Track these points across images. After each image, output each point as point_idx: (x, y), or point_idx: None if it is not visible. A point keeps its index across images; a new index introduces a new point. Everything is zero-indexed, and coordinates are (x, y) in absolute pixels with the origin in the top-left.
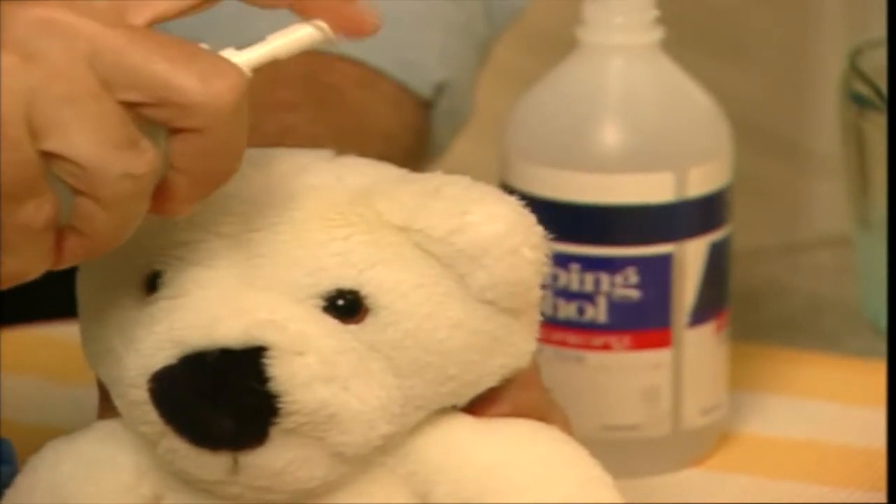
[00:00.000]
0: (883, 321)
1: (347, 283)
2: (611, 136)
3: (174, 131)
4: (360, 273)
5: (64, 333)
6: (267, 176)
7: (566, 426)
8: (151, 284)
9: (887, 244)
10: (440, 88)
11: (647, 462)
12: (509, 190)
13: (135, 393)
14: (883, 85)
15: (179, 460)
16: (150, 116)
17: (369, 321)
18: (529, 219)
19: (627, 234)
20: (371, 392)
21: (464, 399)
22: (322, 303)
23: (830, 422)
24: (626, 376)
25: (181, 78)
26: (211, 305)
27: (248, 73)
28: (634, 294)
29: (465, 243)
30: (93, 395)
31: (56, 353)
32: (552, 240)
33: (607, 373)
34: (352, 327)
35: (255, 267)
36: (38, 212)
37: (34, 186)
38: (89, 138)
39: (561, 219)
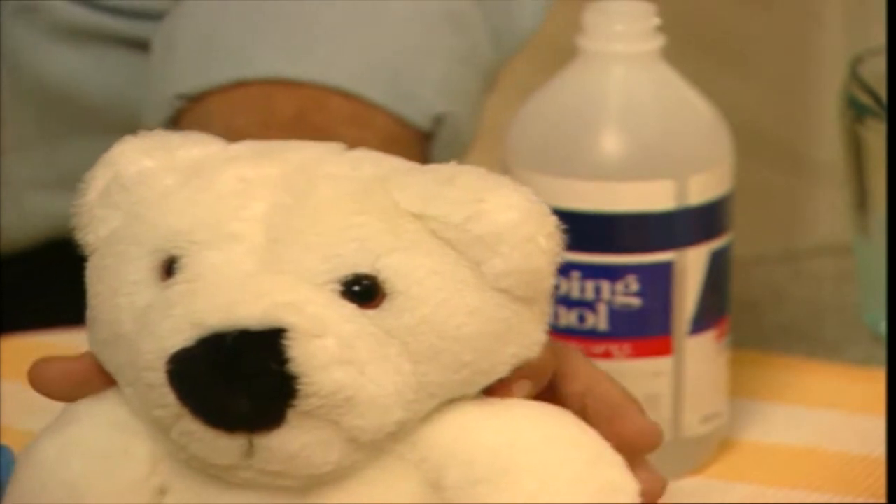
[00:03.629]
0: (883, 329)
1: (364, 268)
2: (611, 143)
3: None
4: (378, 259)
5: (64, 341)
6: (283, 165)
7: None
8: (168, 269)
9: (887, 252)
10: (440, 120)
11: None
12: None
13: (151, 376)
14: (883, 93)
15: (194, 444)
16: None
17: (386, 307)
18: (543, 208)
19: (628, 242)
20: (387, 377)
21: (475, 388)
22: (339, 287)
23: (830, 429)
24: (626, 384)
25: None
26: (229, 288)
27: None
28: (635, 302)
29: (481, 230)
30: None
31: None
32: None
33: None
34: (369, 312)
35: (272, 252)
36: None
37: None
38: None
39: (562, 226)
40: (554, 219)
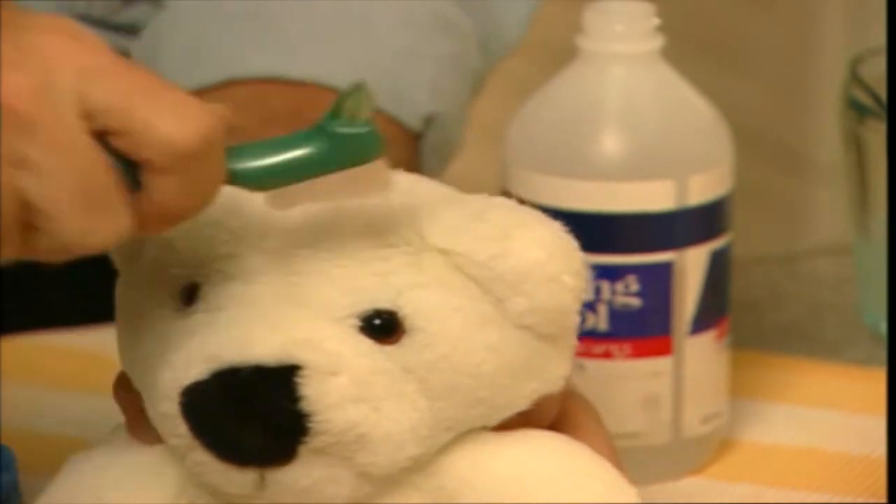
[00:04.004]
0: (883, 329)
1: (385, 303)
2: (611, 143)
3: (145, 164)
4: (399, 294)
5: (64, 341)
6: None
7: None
8: (189, 297)
9: (887, 252)
10: (429, 121)
11: (648, 470)
12: (510, 198)
13: (166, 405)
14: (883, 93)
15: (207, 474)
16: (120, 146)
17: (405, 342)
18: (572, 245)
19: (628, 242)
20: (403, 414)
21: (493, 422)
22: (358, 322)
23: (830, 430)
24: (626, 384)
25: (151, 113)
26: (246, 322)
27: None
28: (635, 302)
29: (505, 269)
30: (92, 402)
31: (56, 361)
32: None
33: (608, 381)
34: (387, 348)
35: (293, 284)
36: None
37: None
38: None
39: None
40: (581, 255)
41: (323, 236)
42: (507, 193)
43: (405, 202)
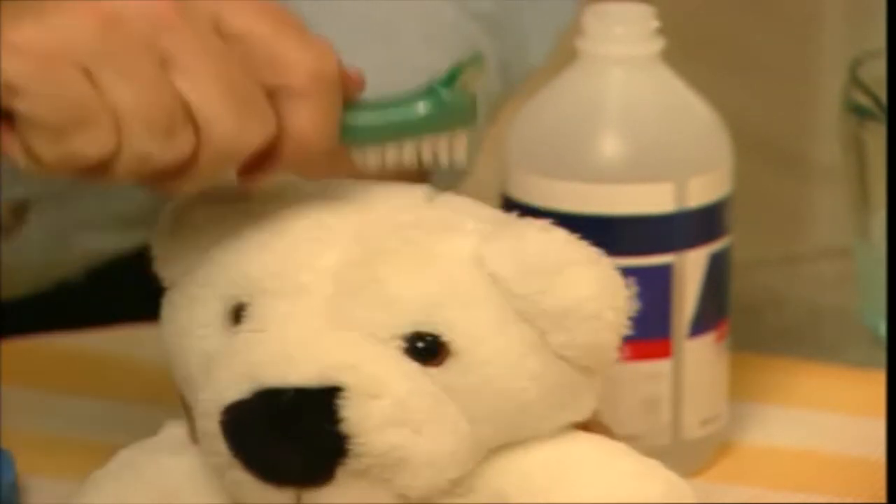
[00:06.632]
0: (882, 331)
1: (429, 326)
2: (611, 146)
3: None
4: (445, 318)
5: (65, 344)
6: (364, 213)
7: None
8: (236, 316)
9: (887, 254)
10: None
11: None
12: (510, 201)
13: (206, 423)
14: (883, 95)
15: (244, 493)
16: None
17: (449, 365)
18: (618, 282)
19: (628, 245)
20: (444, 436)
21: (523, 440)
22: (403, 344)
23: (830, 432)
24: (626, 387)
25: (290, 39)
26: (289, 343)
27: None
28: (634, 304)
29: (548, 304)
30: (93, 405)
31: (57, 364)
32: None
33: (607, 383)
34: (431, 370)
35: (340, 306)
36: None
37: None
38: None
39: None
40: (626, 292)
41: (371, 258)
42: (507, 196)
43: (462, 227)
